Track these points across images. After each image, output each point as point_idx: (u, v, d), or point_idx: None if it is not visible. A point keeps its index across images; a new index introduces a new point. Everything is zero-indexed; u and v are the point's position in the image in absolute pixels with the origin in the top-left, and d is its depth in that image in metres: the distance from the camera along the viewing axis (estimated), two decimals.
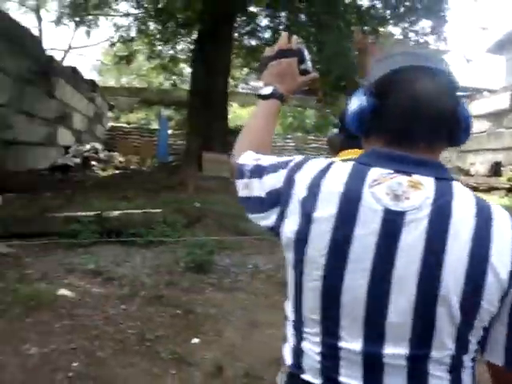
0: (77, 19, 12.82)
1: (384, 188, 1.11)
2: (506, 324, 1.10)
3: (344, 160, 1.97)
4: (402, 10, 11.63)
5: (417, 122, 1.16)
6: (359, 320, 1.11)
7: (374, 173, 1.14)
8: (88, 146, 15.37)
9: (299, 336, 1.22)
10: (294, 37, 1.61)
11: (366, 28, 11.91)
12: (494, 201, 12.66)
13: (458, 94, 1.22)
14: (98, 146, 16.50)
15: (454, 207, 1.09)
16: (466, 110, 1.22)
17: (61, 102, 13.01)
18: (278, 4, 11.84)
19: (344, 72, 10.18)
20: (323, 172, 1.19)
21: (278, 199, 1.23)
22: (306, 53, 1.62)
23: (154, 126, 20.10)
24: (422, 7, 11.29)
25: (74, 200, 8.35)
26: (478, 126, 17.31)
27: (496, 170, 16.36)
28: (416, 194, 1.10)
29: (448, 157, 19.21)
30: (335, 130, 2.74)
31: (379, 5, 11.99)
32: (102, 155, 15.98)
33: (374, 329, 1.11)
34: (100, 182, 10.66)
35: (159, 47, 15.10)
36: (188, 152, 11.59)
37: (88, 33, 12.88)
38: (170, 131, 18.60)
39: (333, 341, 1.15)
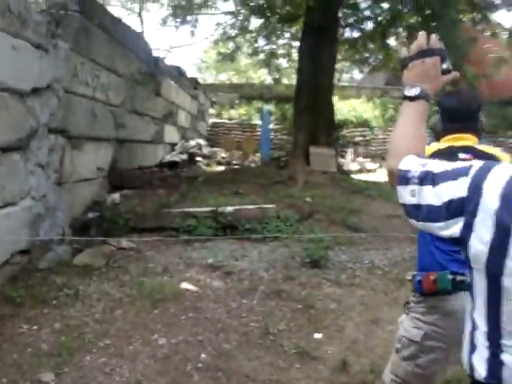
0: (180, 19, 13.08)
1: None
2: None
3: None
4: None
5: None
6: None
7: None
8: (193, 143, 15.72)
9: (496, 348, 1.21)
10: (433, 35, 1.59)
11: (477, 15, 11.51)
12: None
13: None
14: (202, 142, 16.86)
15: None
16: None
17: (167, 100, 13.39)
18: None
19: (456, 61, 9.85)
20: (484, 171, 1.17)
21: (461, 209, 1.21)
22: (445, 51, 1.60)
23: (255, 121, 20.25)
24: None
25: (187, 196, 8.57)
26: None
27: None
28: None
29: None
30: (438, 116, 2.69)
31: None
32: (205, 151, 16.31)
33: None
34: (211, 178, 10.88)
35: (261, 43, 15.25)
36: (296, 147, 11.62)
37: (192, 32, 13.16)
38: (271, 126, 18.72)
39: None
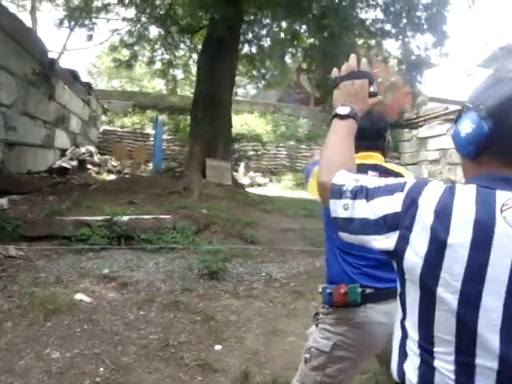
0: (77, 22, 12.74)
1: None
2: None
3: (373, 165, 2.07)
4: (403, 23, 11.74)
5: None
6: (495, 339, 1.16)
7: (502, 197, 1.19)
8: (83, 149, 15.29)
9: (428, 355, 1.26)
10: (364, 59, 1.68)
11: (371, 42, 12.08)
12: None
13: None
14: (93, 149, 16.42)
15: None
16: None
17: (60, 104, 12.97)
18: (278, 12, 11.88)
19: None
20: (448, 195, 1.22)
21: (396, 223, 1.26)
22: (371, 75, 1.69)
23: (148, 130, 20.01)
24: (423, 21, 11.43)
25: (80, 204, 8.30)
26: None
27: None
28: None
29: (439, 169, 19.37)
30: None
31: (381, 17, 12.09)
32: (96, 158, 15.91)
33: (509, 344, 1.15)
34: (103, 186, 10.61)
35: (159, 52, 15.12)
36: (191, 158, 11.57)
37: (90, 36, 12.80)
38: (164, 136, 18.57)
39: (468, 359, 1.19)
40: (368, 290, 2.48)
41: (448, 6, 11.50)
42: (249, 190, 14.60)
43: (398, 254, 1.26)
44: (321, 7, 10.86)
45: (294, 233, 7.89)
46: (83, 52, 50.12)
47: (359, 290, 2.48)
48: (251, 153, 20.56)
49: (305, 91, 25.25)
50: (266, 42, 13.71)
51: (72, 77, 14.40)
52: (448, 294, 1.19)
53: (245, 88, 21.78)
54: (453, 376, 1.21)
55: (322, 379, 2.59)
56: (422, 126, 21.67)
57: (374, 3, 12.14)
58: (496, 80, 1.32)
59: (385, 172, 2.59)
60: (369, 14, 12.58)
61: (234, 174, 16.62)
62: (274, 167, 20.49)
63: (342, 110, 1.59)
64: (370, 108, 1.68)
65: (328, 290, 2.55)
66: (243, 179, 17.46)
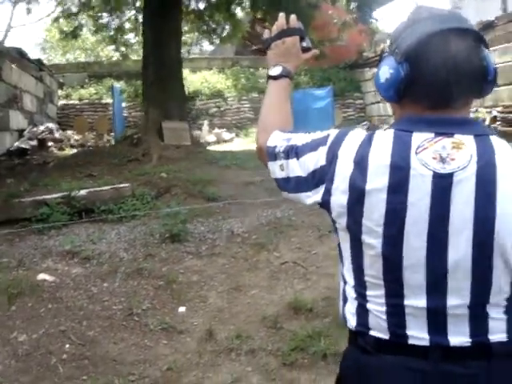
0: None
1: (430, 153, 1.19)
2: None
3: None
4: None
5: (453, 84, 1.21)
6: (422, 278, 1.21)
7: (417, 139, 1.21)
8: (42, 127, 15.04)
9: (362, 298, 1.31)
10: (293, 16, 1.66)
11: None
12: None
13: (485, 44, 1.27)
14: (53, 125, 16.13)
15: (498, 160, 1.17)
16: (492, 62, 1.26)
17: (9, 84, 12.69)
18: None
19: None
20: (366, 144, 1.24)
21: (322, 176, 1.29)
22: (304, 30, 1.69)
23: (107, 100, 19.68)
24: None
25: (38, 183, 8.24)
26: None
27: None
28: (460, 154, 1.17)
29: None
30: None
31: None
32: (57, 135, 15.65)
33: (436, 284, 1.21)
34: (62, 163, 10.51)
35: (105, 19, 14.75)
36: (147, 123, 11.45)
37: (28, 10, 12.45)
38: (124, 103, 18.30)
39: (397, 300, 1.25)
40: None
41: None
42: (215, 147, 14.56)
43: (325, 205, 1.31)
44: None
45: (255, 186, 7.90)
46: (33, 27, 48.56)
47: None
48: (214, 109, 20.34)
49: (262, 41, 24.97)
50: None
51: (19, 55, 14.06)
52: (372, 240, 1.23)
53: (200, 45, 21.41)
54: (384, 317, 1.27)
55: None
56: None
57: None
58: (410, 22, 1.30)
59: None
60: None
61: (198, 132, 16.51)
62: (238, 122, 20.28)
63: (274, 71, 1.61)
64: (306, 61, 1.70)
65: None
66: (208, 137, 17.33)
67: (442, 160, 1.17)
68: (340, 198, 1.25)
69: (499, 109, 13.77)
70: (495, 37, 15.57)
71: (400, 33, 1.30)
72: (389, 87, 1.29)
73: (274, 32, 1.66)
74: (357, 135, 1.29)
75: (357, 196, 1.22)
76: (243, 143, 16.86)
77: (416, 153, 1.19)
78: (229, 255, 5.65)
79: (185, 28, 13.78)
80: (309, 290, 4.76)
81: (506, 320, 1.22)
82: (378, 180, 1.20)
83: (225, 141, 17.83)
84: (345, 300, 1.38)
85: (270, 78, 1.63)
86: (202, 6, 14.08)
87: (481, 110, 14.67)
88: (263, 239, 5.88)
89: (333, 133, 1.33)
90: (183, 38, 13.72)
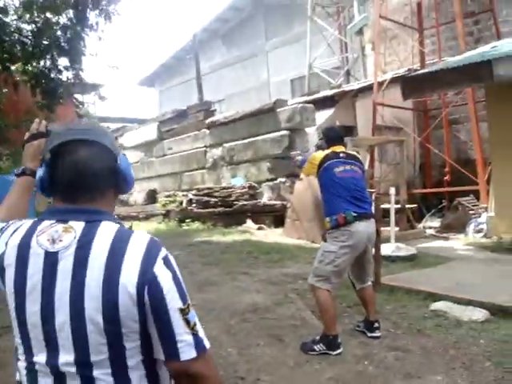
0: None
1: (46, 235, 1.45)
2: (155, 327, 1.41)
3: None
4: (30, 48, 11.28)
5: (76, 182, 1.50)
6: (41, 337, 1.44)
7: (43, 224, 1.49)
8: None
9: (16, 357, 1.53)
10: (43, 121, 1.96)
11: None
12: (153, 226, 13.92)
13: (115, 152, 1.58)
14: None
15: (95, 243, 1.42)
16: (125, 163, 1.58)
17: None
18: None
19: None
20: (15, 230, 1.53)
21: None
22: (55, 132, 1.87)
23: None
24: (59, 45, 11.20)
25: None
26: (131, 157, 17.41)
27: (152, 196, 16.88)
28: (67, 236, 1.44)
29: None
30: (321, 141, 5.28)
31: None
32: None
33: (51, 343, 1.43)
34: None
35: None
36: None
37: None
38: None
39: (30, 357, 1.47)
40: (355, 214, 4.63)
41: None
42: None
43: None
44: None
45: None
46: None
47: (353, 213, 4.61)
48: None
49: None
50: None
51: None
52: (11, 306, 1.49)
53: None
54: (25, 373, 1.49)
55: (332, 269, 4.64)
56: None
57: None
58: (51, 135, 1.67)
59: (347, 154, 4.97)
60: None
61: None
62: None
63: (18, 170, 1.87)
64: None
65: (334, 217, 4.66)
66: None
67: (53, 241, 1.43)
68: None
69: (194, 192, 14.50)
70: (188, 124, 17.17)
71: (48, 141, 1.61)
72: (39, 185, 1.58)
73: (27, 135, 1.93)
74: (16, 224, 1.55)
75: (1, 270, 1.48)
76: None
77: (37, 235, 1.45)
78: None
79: None
80: None
81: (114, 382, 1.42)
82: (10, 257, 1.46)
83: None
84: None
85: (15, 175, 1.88)
86: None
87: (178, 193, 15.63)
88: None
89: (9, 224, 1.59)
90: None
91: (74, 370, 1.40)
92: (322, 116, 14.56)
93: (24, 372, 1.47)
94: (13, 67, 11.71)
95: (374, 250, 5.44)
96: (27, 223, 1.53)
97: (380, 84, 14.02)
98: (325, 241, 4.78)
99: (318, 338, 4.64)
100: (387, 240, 8.37)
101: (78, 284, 1.39)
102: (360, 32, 18.65)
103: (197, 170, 16.75)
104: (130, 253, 1.40)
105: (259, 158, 14.37)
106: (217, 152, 15.89)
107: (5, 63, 11.20)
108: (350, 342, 4.83)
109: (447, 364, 4.27)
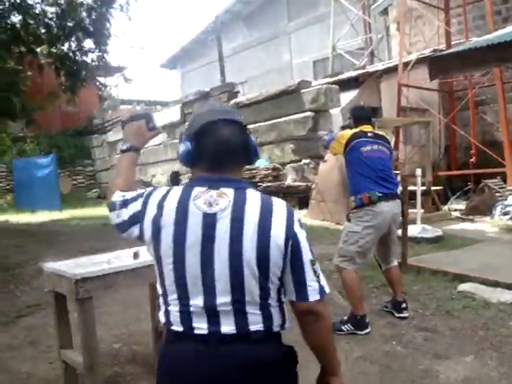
0: None
1: (202, 200, 1.76)
2: (291, 273, 1.76)
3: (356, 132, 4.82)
4: (54, 31, 11.44)
5: (224, 155, 1.82)
6: (199, 284, 1.73)
7: (196, 191, 1.79)
8: None
9: (166, 302, 1.81)
10: (142, 105, 2.15)
11: (22, 49, 11.56)
12: None
13: (247, 130, 1.90)
14: None
15: (247, 205, 1.75)
16: (253, 140, 1.91)
17: None
18: None
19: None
20: (165, 195, 1.82)
21: (139, 218, 1.84)
22: (151, 114, 2.20)
23: None
24: (84, 27, 11.42)
25: None
26: (154, 139, 17.47)
27: (176, 178, 17.03)
28: (222, 200, 1.75)
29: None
30: (349, 120, 5.26)
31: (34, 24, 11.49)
32: None
33: (209, 288, 1.73)
34: None
35: None
36: None
37: None
38: None
39: (185, 301, 1.75)
40: (380, 194, 4.63)
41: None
42: None
43: (141, 238, 1.86)
44: None
45: None
46: None
47: (377, 193, 4.63)
48: None
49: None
50: None
51: None
52: (167, 259, 1.76)
53: None
54: (178, 314, 1.77)
55: (357, 249, 4.68)
56: (110, 130, 22.02)
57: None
58: (194, 116, 1.97)
59: (375, 134, 4.92)
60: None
61: None
62: None
63: (123, 146, 2.12)
64: (152, 138, 2.21)
65: (359, 196, 4.69)
66: None
67: (210, 204, 1.75)
68: (148, 231, 1.80)
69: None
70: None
71: (191, 121, 1.92)
72: (184, 158, 1.88)
73: (126, 116, 2.18)
74: (161, 190, 1.87)
75: (156, 229, 1.77)
76: None
77: (193, 200, 1.76)
78: None
79: None
80: None
81: (261, 315, 1.75)
82: (168, 218, 1.76)
83: None
84: (158, 307, 1.87)
85: (121, 151, 2.13)
86: None
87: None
88: None
89: (148, 189, 1.92)
90: None
91: (229, 308, 1.72)
92: (347, 97, 14.54)
93: (177, 314, 1.76)
94: (38, 50, 11.85)
95: (400, 231, 5.43)
96: (176, 190, 1.83)
97: (405, 65, 13.91)
98: (349, 221, 4.82)
99: (345, 318, 4.69)
100: (413, 222, 8.39)
101: (236, 237, 1.71)
102: (384, 12, 18.50)
103: None
104: (276, 214, 1.76)
105: (283, 139, 14.46)
106: None
107: (30, 46, 11.37)
108: (378, 322, 4.89)
109: (476, 345, 4.29)
